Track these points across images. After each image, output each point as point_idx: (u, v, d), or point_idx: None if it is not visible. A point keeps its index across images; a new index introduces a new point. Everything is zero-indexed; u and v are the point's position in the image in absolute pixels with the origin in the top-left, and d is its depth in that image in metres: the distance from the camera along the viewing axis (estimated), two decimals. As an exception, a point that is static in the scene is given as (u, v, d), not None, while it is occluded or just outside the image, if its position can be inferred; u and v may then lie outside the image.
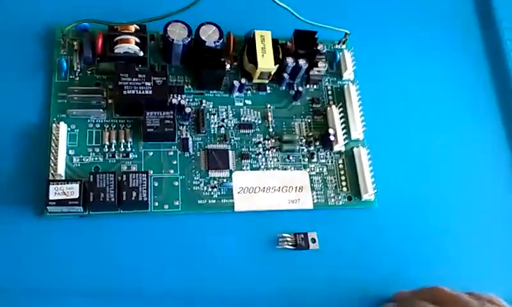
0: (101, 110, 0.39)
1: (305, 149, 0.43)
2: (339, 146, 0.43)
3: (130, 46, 0.40)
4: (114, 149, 0.39)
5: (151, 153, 0.39)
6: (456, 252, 0.42)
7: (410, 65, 0.49)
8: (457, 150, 0.47)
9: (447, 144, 0.47)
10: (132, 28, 0.40)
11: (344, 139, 0.43)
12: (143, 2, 0.44)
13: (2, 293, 0.34)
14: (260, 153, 0.42)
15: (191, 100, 0.42)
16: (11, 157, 0.37)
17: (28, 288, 0.34)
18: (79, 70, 0.40)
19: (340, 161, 0.43)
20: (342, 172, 0.42)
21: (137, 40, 0.40)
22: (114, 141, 0.39)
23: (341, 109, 0.44)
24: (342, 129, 0.43)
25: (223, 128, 0.42)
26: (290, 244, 0.39)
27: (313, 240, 0.39)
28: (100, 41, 0.40)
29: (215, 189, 0.39)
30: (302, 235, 0.39)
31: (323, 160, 0.43)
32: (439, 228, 0.43)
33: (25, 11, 0.42)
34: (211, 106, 0.42)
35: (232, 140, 0.42)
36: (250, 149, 0.42)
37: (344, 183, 0.42)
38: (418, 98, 0.48)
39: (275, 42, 0.43)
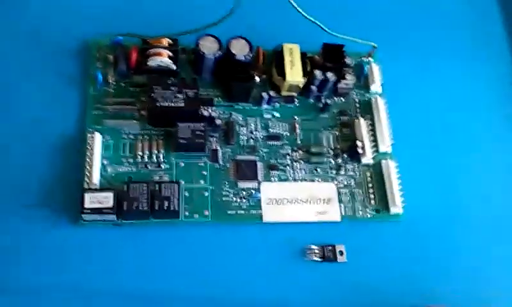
0: (134, 121, 0.40)
1: (333, 162, 0.43)
2: (367, 159, 0.43)
3: (162, 59, 0.41)
4: (146, 160, 0.40)
5: (182, 164, 0.40)
6: (484, 268, 0.42)
7: (438, 78, 0.49)
8: (486, 164, 0.46)
9: (476, 158, 0.46)
10: (165, 42, 0.41)
11: (372, 152, 0.43)
12: (175, 17, 0.45)
13: (38, 298, 0.35)
14: (288, 165, 0.42)
15: (221, 112, 0.43)
16: (48, 165, 0.39)
17: (62, 294, 0.35)
18: (113, 83, 0.42)
19: (368, 174, 0.43)
20: (370, 185, 0.43)
21: (170, 53, 0.41)
22: (147, 152, 0.40)
23: (369, 122, 0.44)
24: (370, 142, 0.43)
25: (251, 140, 0.42)
26: (317, 256, 0.39)
27: (341, 253, 0.39)
28: (134, 54, 0.41)
29: (244, 200, 0.40)
30: (330, 247, 0.39)
31: (351, 173, 0.43)
32: (467, 242, 0.42)
33: (63, 26, 0.44)
34: (240, 118, 0.43)
35: (261, 151, 0.42)
36: (278, 161, 0.42)
37: (371, 196, 0.42)
38: (446, 111, 0.48)
39: (303, 55, 0.44)
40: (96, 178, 0.38)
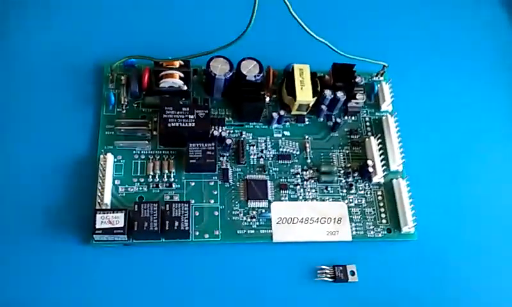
0: (146, 141, 0.41)
1: (343, 181, 0.43)
2: (378, 178, 0.43)
3: (174, 80, 0.42)
4: (158, 180, 0.40)
5: (193, 183, 0.40)
6: (499, 289, 0.41)
7: (449, 96, 0.49)
8: (499, 182, 0.46)
9: (489, 175, 0.46)
10: (177, 63, 0.42)
11: (383, 171, 0.43)
12: (188, 39, 0.46)
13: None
14: (298, 184, 0.42)
15: (231, 131, 0.43)
16: (61, 186, 0.39)
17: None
18: (126, 104, 0.43)
19: (379, 193, 0.43)
20: (381, 204, 0.42)
21: (181, 75, 0.42)
22: (158, 171, 0.40)
23: (379, 141, 0.44)
24: (381, 160, 0.43)
25: (262, 159, 0.43)
26: (328, 276, 0.39)
27: (353, 273, 0.39)
28: (146, 76, 0.42)
29: (254, 219, 0.40)
30: (341, 268, 0.39)
31: (362, 192, 0.43)
32: (480, 262, 0.42)
33: (77, 48, 0.45)
34: (251, 137, 0.43)
35: (271, 170, 0.42)
36: (288, 180, 0.42)
37: (383, 215, 0.42)
38: (457, 129, 0.47)
39: (313, 75, 0.44)
40: (107, 199, 0.38)
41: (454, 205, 0.44)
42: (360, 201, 0.42)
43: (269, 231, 0.40)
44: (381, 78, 0.48)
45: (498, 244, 0.43)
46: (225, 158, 0.42)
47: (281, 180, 0.42)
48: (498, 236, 0.43)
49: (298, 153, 0.43)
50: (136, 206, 0.37)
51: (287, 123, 0.44)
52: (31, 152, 0.40)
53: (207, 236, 0.39)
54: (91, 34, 0.46)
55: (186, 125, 0.40)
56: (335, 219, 0.41)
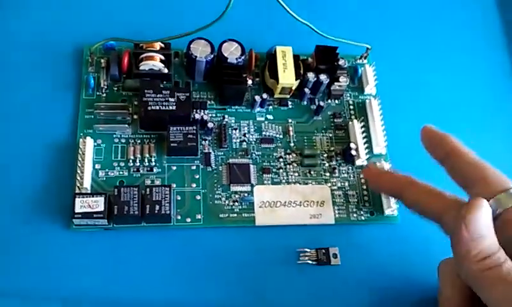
0: (126, 125, 0.40)
1: (326, 164, 0.43)
2: (361, 161, 0.43)
3: (154, 63, 0.41)
4: (138, 164, 0.40)
5: (174, 168, 0.40)
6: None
7: (433, 79, 0.49)
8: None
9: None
10: (157, 46, 0.41)
11: (366, 154, 0.42)
12: (168, 21, 0.45)
13: (27, 302, 0.35)
14: (281, 168, 0.42)
15: (214, 115, 0.43)
16: (40, 170, 0.39)
17: (53, 299, 0.35)
18: (105, 87, 0.42)
19: (362, 176, 0.43)
20: (364, 187, 0.42)
21: (162, 57, 0.41)
22: (138, 156, 0.40)
23: (363, 124, 0.44)
24: (364, 143, 0.43)
25: (244, 143, 0.42)
26: (311, 259, 0.39)
27: (335, 255, 0.39)
28: (126, 58, 0.41)
29: (236, 203, 0.40)
30: (323, 250, 0.39)
31: (345, 175, 0.42)
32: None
33: (55, 31, 0.44)
34: (233, 121, 0.43)
35: (254, 154, 0.42)
36: (271, 164, 0.42)
37: (366, 198, 0.42)
38: (441, 111, 0.47)
39: (296, 58, 0.43)
40: (87, 183, 0.38)
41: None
42: (342, 184, 0.42)
43: (252, 215, 0.40)
44: (365, 61, 0.47)
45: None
46: (207, 142, 0.42)
47: (264, 163, 0.42)
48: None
49: (281, 136, 0.43)
50: (116, 190, 0.37)
51: (270, 107, 0.44)
52: (8, 136, 0.39)
53: (189, 220, 0.38)
54: (69, 17, 0.45)
55: (167, 108, 0.39)
56: (317, 202, 0.41)
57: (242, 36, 0.43)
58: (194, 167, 0.40)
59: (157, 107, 0.39)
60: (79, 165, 0.38)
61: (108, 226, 0.37)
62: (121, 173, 0.39)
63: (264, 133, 0.43)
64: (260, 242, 0.39)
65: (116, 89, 0.42)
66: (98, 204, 0.36)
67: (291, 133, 0.43)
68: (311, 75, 0.43)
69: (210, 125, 0.41)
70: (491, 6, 0.55)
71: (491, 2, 0.55)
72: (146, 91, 0.40)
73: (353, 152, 0.42)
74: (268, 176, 0.41)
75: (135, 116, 0.41)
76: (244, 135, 0.43)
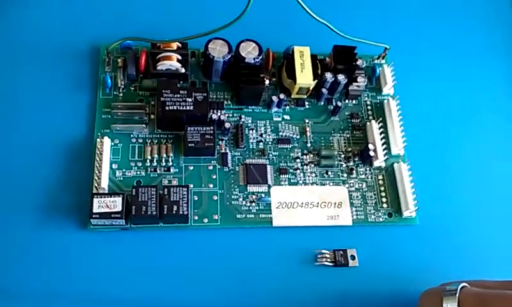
0: (143, 125, 0.40)
1: (344, 165, 0.42)
2: (379, 162, 0.42)
3: (172, 63, 0.41)
4: (155, 164, 0.39)
5: (191, 168, 0.40)
6: (499, 270, 0.41)
7: (451, 79, 0.48)
8: (500, 166, 0.45)
9: (491, 160, 0.45)
10: (174, 45, 0.41)
11: (384, 155, 0.42)
12: (185, 20, 0.45)
13: (45, 303, 0.35)
14: (298, 168, 0.41)
15: (231, 115, 0.42)
16: (57, 170, 0.39)
17: (70, 299, 0.35)
18: (122, 87, 0.42)
19: (380, 177, 0.42)
20: (382, 188, 0.42)
21: (179, 57, 0.41)
22: (156, 156, 0.39)
23: (381, 124, 0.43)
24: (382, 144, 0.42)
25: (261, 143, 0.42)
26: (329, 260, 0.39)
27: (353, 257, 0.39)
28: (143, 58, 0.41)
29: (253, 204, 0.40)
30: (341, 252, 0.39)
31: (362, 176, 0.42)
32: (481, 245, 0.41)
33: (72, 30, 0.44)
34: (250, 121, 0.43)
35: (270, 155, 0.42)
36: (288, 164, 0.42)
37: (384, 200, 0.41)
38: (459, 112, 0.47)
39: (314, 58, 0.43)
40: (105, 183, 0.37)
41: (456, 189, 0.43)
42: (360, 185, 0.42)
43: (269, 215, 0.39)
44: (383, 61, 0.47)
45: (500, 228, 0.42)
46: (224, 142, 0.41)
47: (281, 164, 0.41)
48: (499, 221, 0.43)
49: (298, 137, 0.43)
50: (134, 190, 0.36)
51: (287, 107, 0.44)
52: (26, 135, 0.39)
53: (206, 220, 0.38)
54: (87, 16, 0.45)
55: (184, 108, 0.39)
56: (335, 203, 0.41)
57: (259, 35, 0.42)
58: (211, 168, 0.40)
59: (175, 107, 0.39)
60: (97, 165, 0.38)
61: (125, 226, 0.37)
62: (138, 173, 0.39)
63: (280, 133, 0.43)
64: (277, 243, 0.39)
65: (133, 88, 0.42)
66: (116, 204, 0.36)
67: (308, 133, 0.43)
68: (329, 75, 0.42)
69: (227, 125, 0.41)
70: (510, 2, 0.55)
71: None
72: (163, 91, 0.40)
73: (371, 153, 0.42)
74: (285, 176, 0.41)
75: (152, 116, 0.41)
76: (261, 135, 0.42)
